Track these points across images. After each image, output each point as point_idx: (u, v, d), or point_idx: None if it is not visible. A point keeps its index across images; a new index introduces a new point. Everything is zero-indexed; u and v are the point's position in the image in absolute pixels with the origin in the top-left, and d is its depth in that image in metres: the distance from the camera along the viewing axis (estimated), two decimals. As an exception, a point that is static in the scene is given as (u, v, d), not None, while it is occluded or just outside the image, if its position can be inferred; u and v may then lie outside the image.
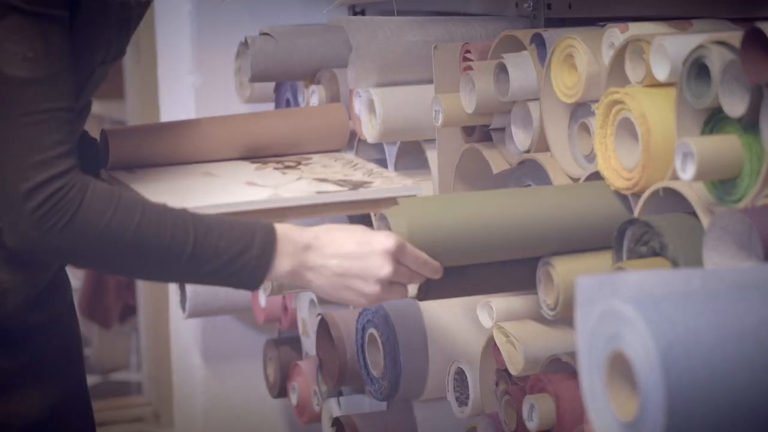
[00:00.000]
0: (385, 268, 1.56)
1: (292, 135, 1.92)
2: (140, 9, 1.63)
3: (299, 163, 1.90)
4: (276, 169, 1.88)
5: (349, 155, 1.88)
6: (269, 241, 1.53)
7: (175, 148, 1.87)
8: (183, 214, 1.51)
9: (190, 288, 2.96)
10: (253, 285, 1.54)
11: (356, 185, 1.77)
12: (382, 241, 1.56)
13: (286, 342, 2.96)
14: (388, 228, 1.61)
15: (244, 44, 2.55)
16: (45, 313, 1.70)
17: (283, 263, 1.53)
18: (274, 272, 1.53)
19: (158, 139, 1.87)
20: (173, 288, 3.17)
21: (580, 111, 1.87)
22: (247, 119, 1.93)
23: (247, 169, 1.88)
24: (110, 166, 1.82)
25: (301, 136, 1.92)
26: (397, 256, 1.57)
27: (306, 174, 1.86)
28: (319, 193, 1.75)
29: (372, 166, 1.84)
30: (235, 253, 1.50)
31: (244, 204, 1.70)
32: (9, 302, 1.64)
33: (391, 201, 1.77)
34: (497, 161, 2.02)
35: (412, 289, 1.65)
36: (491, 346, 2.01)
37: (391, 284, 1.58)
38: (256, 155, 1.90)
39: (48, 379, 1.70)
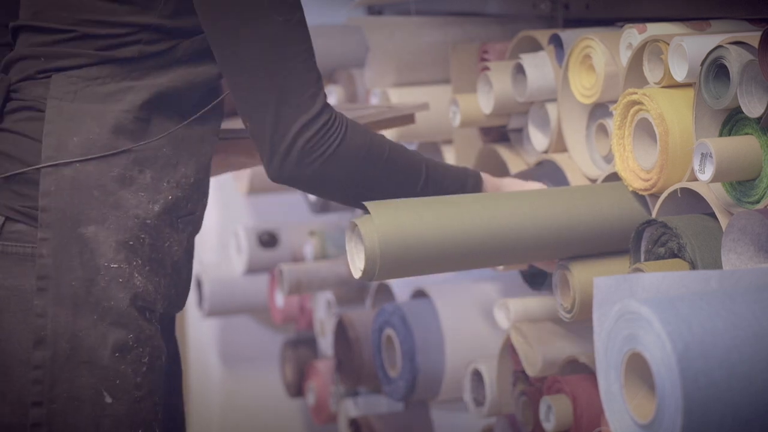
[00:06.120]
0: None
1: None
2: None
3: None
4: None
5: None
6: (477, 184, 1.70)
7: None
8: (414, 152, 1.66)
9: (208, 288, 2.97)
10: None
11: (377, 111, 1.83)
12: None
13: (304, 342, 2.97)
14: (360, 238, 1.58)
15: (262, 44, 2.55)
16: (174, 315, 1.75)
17: None
18: None
19: None
20: (191, 288, 3.18)
21: (597, 112, 1.86)
22: None
23: None
24: None
25: None
26: None
27: None
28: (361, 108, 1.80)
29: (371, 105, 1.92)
30: (453, 191, 1.65)
31: None
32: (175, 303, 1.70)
33: (409, 117, 1.91)
34: (514, 162, 2.02)
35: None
36: (508, 346, 2.01)
37: None
38: None
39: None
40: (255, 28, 1.52)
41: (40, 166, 1.56)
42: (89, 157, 1.56)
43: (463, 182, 1.68)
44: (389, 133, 2.28)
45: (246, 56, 1.53)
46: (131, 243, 1.57)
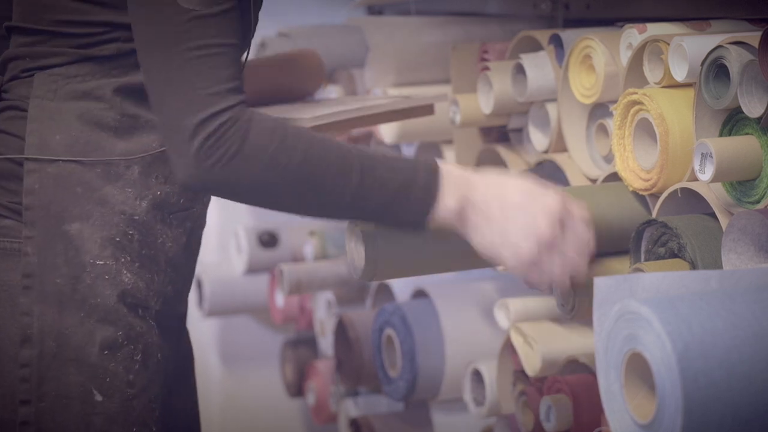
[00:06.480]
0: (545, 229, 1.47)
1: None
2: None
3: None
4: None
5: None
6: (433, 172, 1.48)
7: None
8: (346, 146, 1.49)
9: (208, 288, 2.97)
10: (420, 220, 1.49)
11: (394, 100, 1.79)
12: (548, 197, 1.49)
13: (304, 342, 2.97)
14: (360, 238, 1.56)
15: (262, 45, 2.55)
16: (182, 313, 1.74)
17: (448, 198, 1.48)
18: (440, 207, 1.48)
19: None
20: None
21: (598, 112, 1.86)
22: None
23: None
24: None
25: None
26: (562, 220, 1.49)
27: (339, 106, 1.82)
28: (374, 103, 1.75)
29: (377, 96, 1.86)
30: (400, 186, 1.47)
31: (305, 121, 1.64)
32: (176, 299, 1.68)
33: (428, 108, 1.80)
34: (515, 162, 2.02)
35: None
36: (508, 346, 2.01)
37: (548, 254, 1.48)
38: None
39: (169, 388, 1.70)
40: (157, 10, 1.45)
41: (9, 156, 1.56)
42: (98, 159, 1.55)
43: (412, 176, 1.47)
44: (394, 128, 2.28)
45: (145, 36, 1.47)
46: (118, 239, 1.57)
